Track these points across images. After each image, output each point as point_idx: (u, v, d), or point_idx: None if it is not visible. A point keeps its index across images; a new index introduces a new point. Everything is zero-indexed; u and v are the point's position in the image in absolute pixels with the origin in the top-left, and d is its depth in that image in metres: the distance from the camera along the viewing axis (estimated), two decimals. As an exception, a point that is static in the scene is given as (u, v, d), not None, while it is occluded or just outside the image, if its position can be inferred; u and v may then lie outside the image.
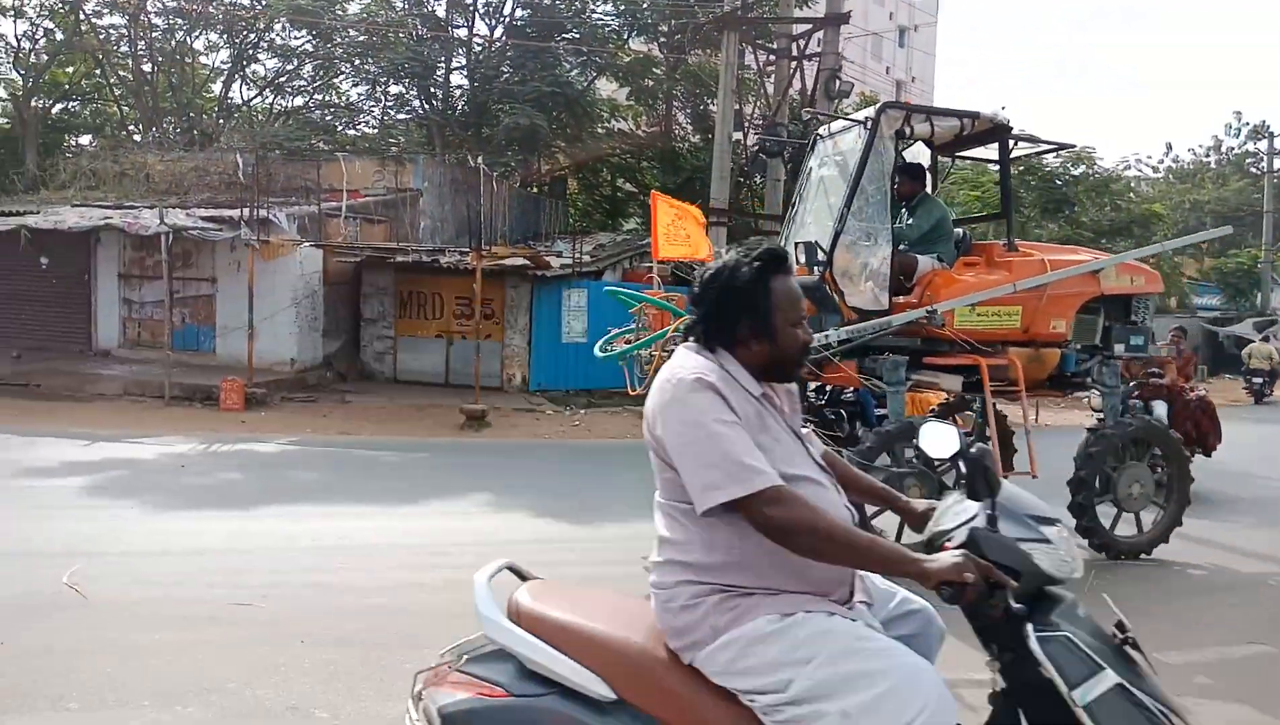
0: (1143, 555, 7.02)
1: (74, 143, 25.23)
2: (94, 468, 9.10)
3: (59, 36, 22.98)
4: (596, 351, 7.97)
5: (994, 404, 6.84)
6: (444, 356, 16.29)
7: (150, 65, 23.16)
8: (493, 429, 12.68)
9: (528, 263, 15.28)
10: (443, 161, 19.51)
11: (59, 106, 25.12)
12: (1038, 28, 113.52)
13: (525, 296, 15.95)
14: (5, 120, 25.41)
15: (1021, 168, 20.03)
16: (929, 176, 7.79)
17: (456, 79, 23.26)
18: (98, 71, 23.98)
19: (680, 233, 9.68)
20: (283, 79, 23.90)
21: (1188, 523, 7.33)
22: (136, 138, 22.94)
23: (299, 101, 24.32)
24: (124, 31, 23.04)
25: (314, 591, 5.62)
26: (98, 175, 18.01)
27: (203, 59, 24.63)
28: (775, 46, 18.90)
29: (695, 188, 20.36)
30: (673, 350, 6.67)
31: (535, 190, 24.36)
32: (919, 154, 7.75)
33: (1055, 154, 11.90)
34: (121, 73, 23.58)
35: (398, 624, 5.10)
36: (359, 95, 23.92)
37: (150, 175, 17.31)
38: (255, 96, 24.55)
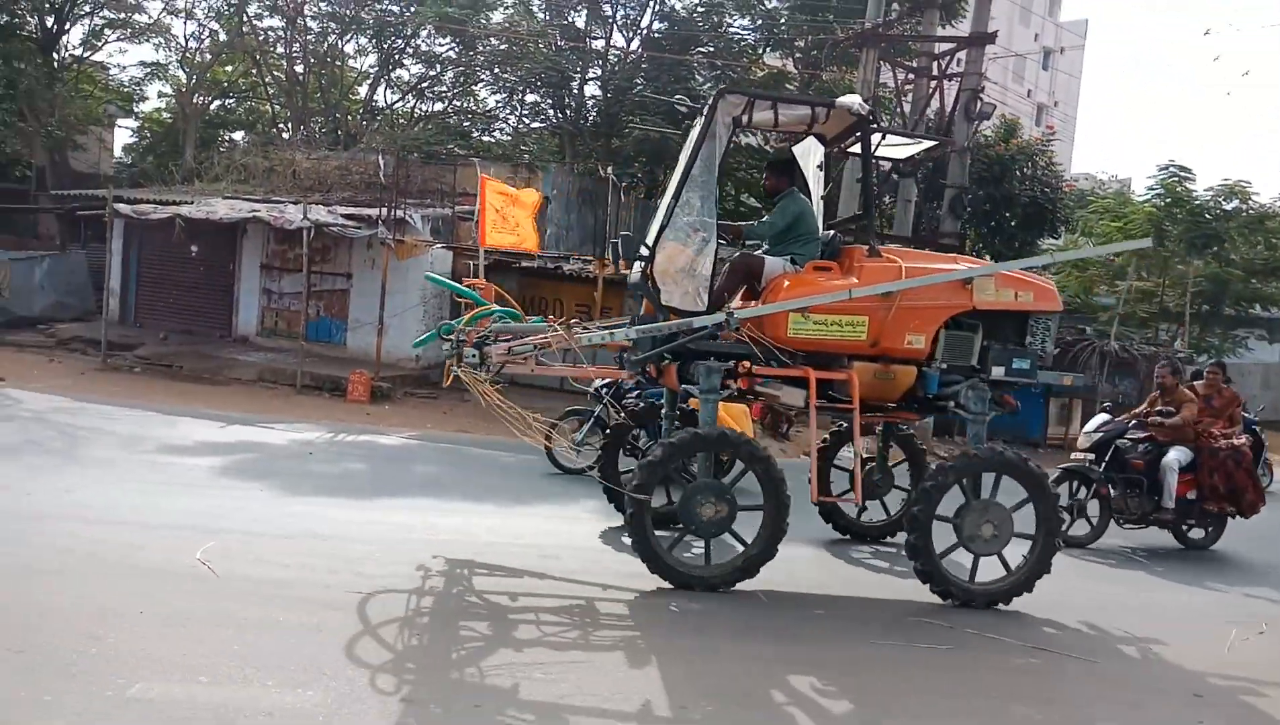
0: (1000, 605, 6.21)
1: (228, 138, 26.66)
2: (228, 449, 9.53)
3: (222, 37, 24.34)
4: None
5: (857, 420, 6.18)
6: (560, 360, 16.40)
7: (302, 67, 24.29)
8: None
9: (650, 273, 15.30)
10: (572, 170, 19.79)
11: (217, 103, 26.58)
12: (1195, 51, 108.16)
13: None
14: (169, 114, 27.04)
15: (1169, 200, 19.08)
16: (821, 173, 7.28)
17: (590, 89, 23.64)
18: (254, 71, 25.26)
19: (510, 221, 9.22)
20: (425, 84, 24.70)
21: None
22: (285, 136, 24.06)
23: (439, 107, 25.11)
24: (281, 34, 24.24)
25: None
26: (248, 170, 18.95)
27: (351, 62, 25.72)
28: (915, 65, 18.50)
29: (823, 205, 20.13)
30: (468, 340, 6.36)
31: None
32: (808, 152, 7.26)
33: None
34: (276, 73, 24.78)
35: (508, 622, 5.17)
36: (496, 102, 24.54)
37: (296, 172, 18.11)
38: (398, 100, 25.46)
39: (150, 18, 23.95)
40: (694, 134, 6.38)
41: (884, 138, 6.75)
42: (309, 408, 12.55)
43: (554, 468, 9.66)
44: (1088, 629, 6.11)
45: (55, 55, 23.35)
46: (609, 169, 15.93)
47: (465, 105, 25.07)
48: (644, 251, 6.31)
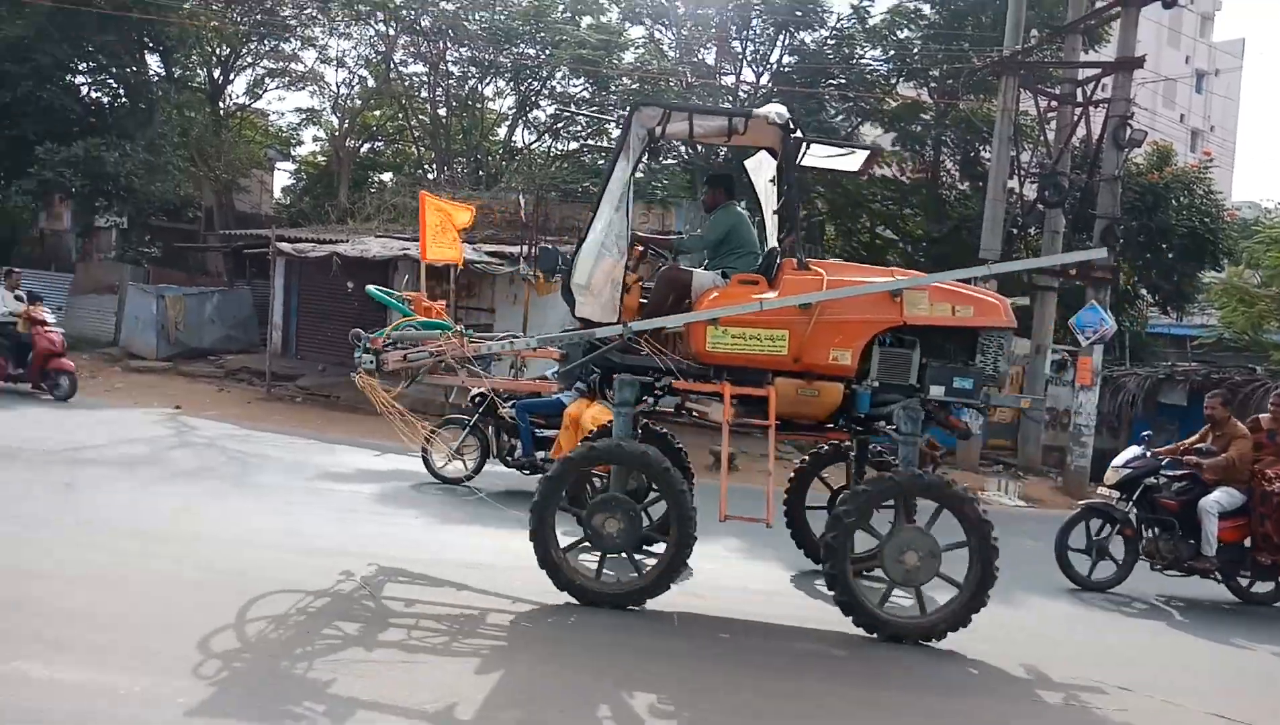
0: (932, 641, 5.82)
1: (378, 179, 27.99)
2: (384, 477, 9.97)
3: (371, 83, 25.66)
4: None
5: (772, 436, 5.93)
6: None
7: (445, 110, 25.34)
8: (739, 473, 12.69)
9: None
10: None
11: (367, 146, 27.99)
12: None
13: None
14: (323, 157, 28.62)
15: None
16: (774, 187, 7.09)
17: (721, 125, 23.78)
18: (400, 115, 26.49)
19: (447, 235, 9.47)
20: (560, 124, 25.40)
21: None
22: (430, 176, 25.11)
23: (574, 146, 25.75)
24: (425, 79, 25.36)
25: (586, 615, 5.84)
26: (397, 209, 19.85)
27: (491, 105, 26.68)
28: (1058, 91, 17.97)
29: (962, 237, 19.68)
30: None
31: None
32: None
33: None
34: (421, 117, 25.93)
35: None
36: (629, 140, 24.99)
37: (441, 211, 18.88)
38: (535, 141, 26.24)
39: (306, 66, 25.50)
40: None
41: (808, 146, 6.36)
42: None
43: (430, 477, 9.76)
44: (1025, 672, 5.71)
45: (221, 104, 25.13)
46: (742, 203, 15.93)
47: (599, 144, 25.66)
48: (561, 265, 6.33)
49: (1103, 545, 8.08)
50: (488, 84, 25.45)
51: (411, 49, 24.72)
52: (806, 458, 7.87)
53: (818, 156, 6.73)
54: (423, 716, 4.17)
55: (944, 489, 5.86)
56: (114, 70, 23.30)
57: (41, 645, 4.51)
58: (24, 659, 4.31)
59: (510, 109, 25.92)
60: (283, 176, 30.11)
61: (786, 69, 23.12)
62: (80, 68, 22.96)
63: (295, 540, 7.00)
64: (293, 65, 25.29)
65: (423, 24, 23.32)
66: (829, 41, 22.74)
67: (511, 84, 24.78)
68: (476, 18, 23.51)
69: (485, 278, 15.99)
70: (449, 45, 23.89)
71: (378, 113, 27.28)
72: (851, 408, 6.16)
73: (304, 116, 27.73)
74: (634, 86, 22.73)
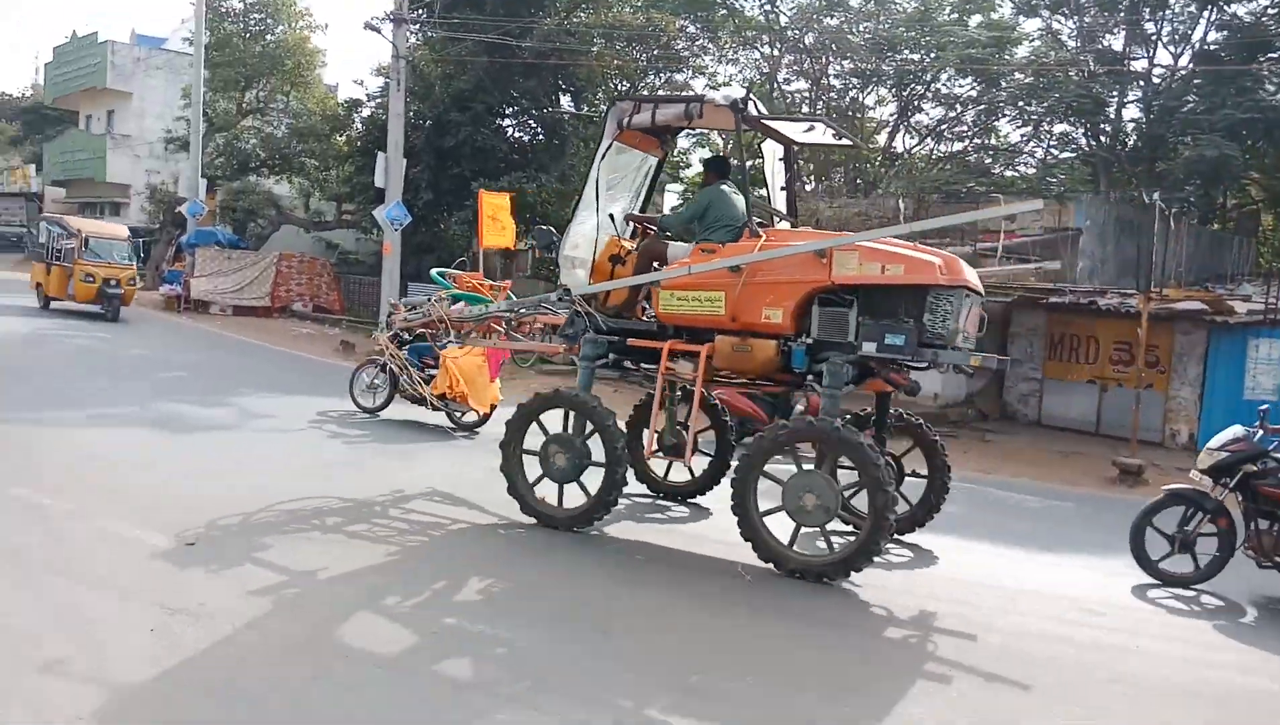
0: (826, 579, 5.99)
1: (758, 195, 28.89)
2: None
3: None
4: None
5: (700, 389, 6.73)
6: (1095, 403, 15.27)
7: (826, 123, 25.62)
8: (1149, 487, 11.44)
9: (1205, 307, 13.58)
10: (1108, 199, 18.26)
11: (751, 163, 29.00)
12: None
13: (1199, 344, 14.19)
14: (709, 178, 30.14)
15: None
16: (783, 165, 7.94)
17: (1129, 113, 21.70)
18: (782, 131, 27.18)
19: (499, 225, 10.19)
20: (943, 126, 24.59)
21: None
22: (809, 187, 25.45)
23: (958, 147, 24.80)
24: (806, 94, 25.79)
25: (959, 625, 5.64)
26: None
27: (871, 113, 26.48)
28: None
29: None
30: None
31: (1218, 227, 21.56)
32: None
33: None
34: (802, 131, 26.43)
35: (1050, 675, 4.89)
36: (1021, 137, 23.59)
37: (819, 221, 19.07)
38: (916, 145, 25.64)
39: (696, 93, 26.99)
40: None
41: (760, 121, 7.06)
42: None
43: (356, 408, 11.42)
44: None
45: (621, 134, 27.38)
46: (1154, 195, 14.45)
47: (986, 142, 24.46)
48: (555, 240, 7.23)
49: (1188, 537, 6.90)
50: (869, 93, 25.32)
51: (794, 67, 25.28)
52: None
53: (820, 136, 7.82)
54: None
55: (835, 436, 6.00)
56: (534, 112, 26.32)
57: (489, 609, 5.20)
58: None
59: (891, 115, 25.55)
60: (671, 198, 32.08)
61: (1212, 46, 20.56)
62: (507, 112, 26.22)
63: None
64: (684, 93, 26.93)
65: (806, 42, 23.74)
66: (1270, 10, 19.87)
67: (893, 90, 24.44)
68: (860, 29, 23.50)
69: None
70: (831, 59, 24.11)
71: (763, 132, 28.17)
72: (785, 363, 6.45)
73: (694, 140, 29.37)
74: (1026, 81, 21.41)
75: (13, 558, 5.23)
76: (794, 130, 7.80)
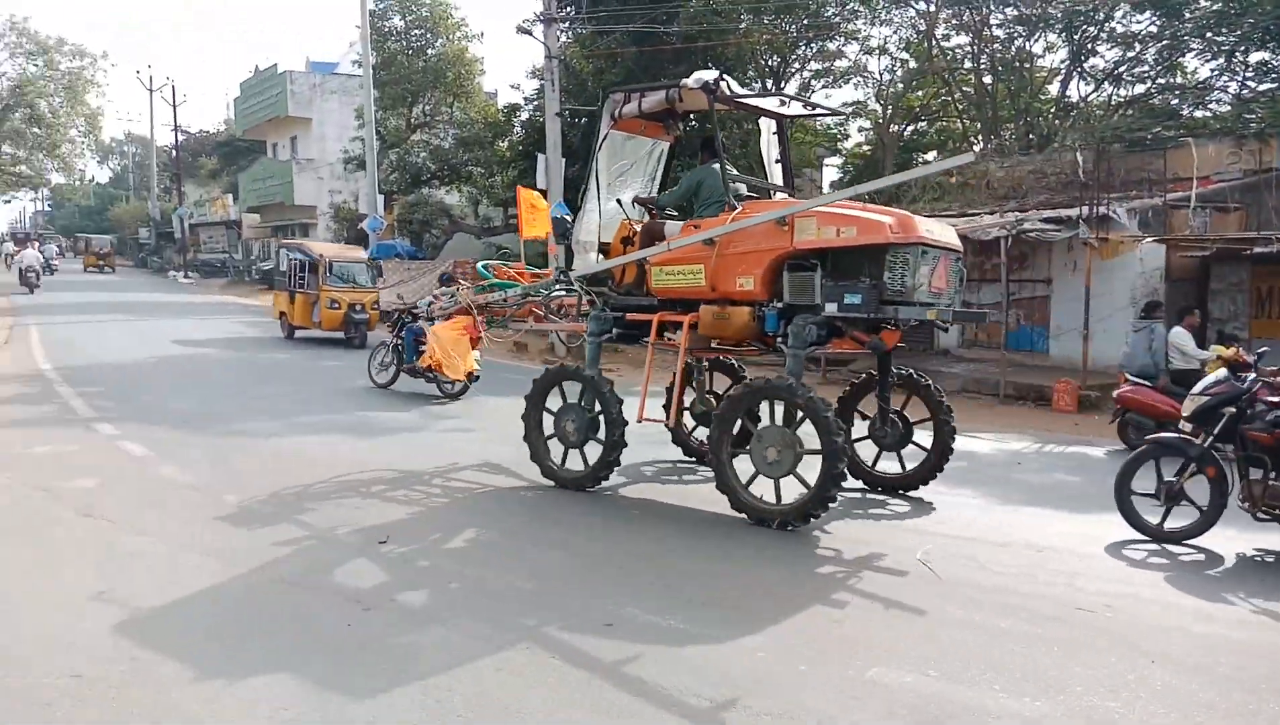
0: (790, 526, 6.51)
1: (922, 160, 27.84)
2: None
3: (912, 65, 25.59)
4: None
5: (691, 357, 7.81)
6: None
7: (990, 77, 24.30)
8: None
9: None
10: (1319, 132, 16.47)
11: (910, 128, 27.96)
12: None
13: None
14: (868, 147, 29.24)
15: None
16: (775, 138, 8.25)
17: (1342, 30, 19.46)
18: (943, 91, 26.00)
19: (535, 218, 10.91)
20: (1122, 69, 22.87)
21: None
22: (977, 148, 24.28)
23: (1139, 90, 23.02)
24: (968, 50, 24.59)
25: (1162, 609, 5.27)
26: (942, 187, 19.53)
27: (1040, 61, 24.96)
28: None
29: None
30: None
31: None
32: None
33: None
34: (965, 88, 25.21)
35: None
36: (1211, 71, 21.63)
37: (990, 182, 18.15)
38: (1092, 91, 23.97)
39: (849, 61, 26.23)
40: None
41: (733, 99, 7.41)
42: (1012, 418, 12.42)
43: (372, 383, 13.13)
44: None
45: (775, 111, 26.94)
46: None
47: (1170, 81, 22.58)
48: (569, 228, 7.89)
49: (1175, 489, 6.48)
50: (1036, 40, 23.85)
51: (954, 21, 24.15)
52: (846, 389, 8.19)
53: (803, 109, 8.57)
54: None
55: (791, 393, 6.40)
56: (684, 97, 26.31)
57: (648, 597, 5.30)
58: (633, 607, 5.09)
59: (1063, 62, 23.99)
60: (831, 171, 31.36)
61: None
62: (658, 100, 26.32)
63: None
64: (837, 63, 26.22)
65: (964, -8, 22.65)
66: None
67: (1064, 34, 22.92)
68: (1023, -28, 22.19)
69: (1040, 246, 15.03)
70: (992, 8, 22.88)
71: (920, 93, 27.10)
72: (760, 327, 6.92)
73: (850, 110, 28.65)
74: (1214, 8, 19.59)
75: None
76: (769, 104, 8.12)
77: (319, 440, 9.72)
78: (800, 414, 6.49)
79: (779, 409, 6.69)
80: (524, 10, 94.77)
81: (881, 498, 7.68)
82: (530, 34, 21.22)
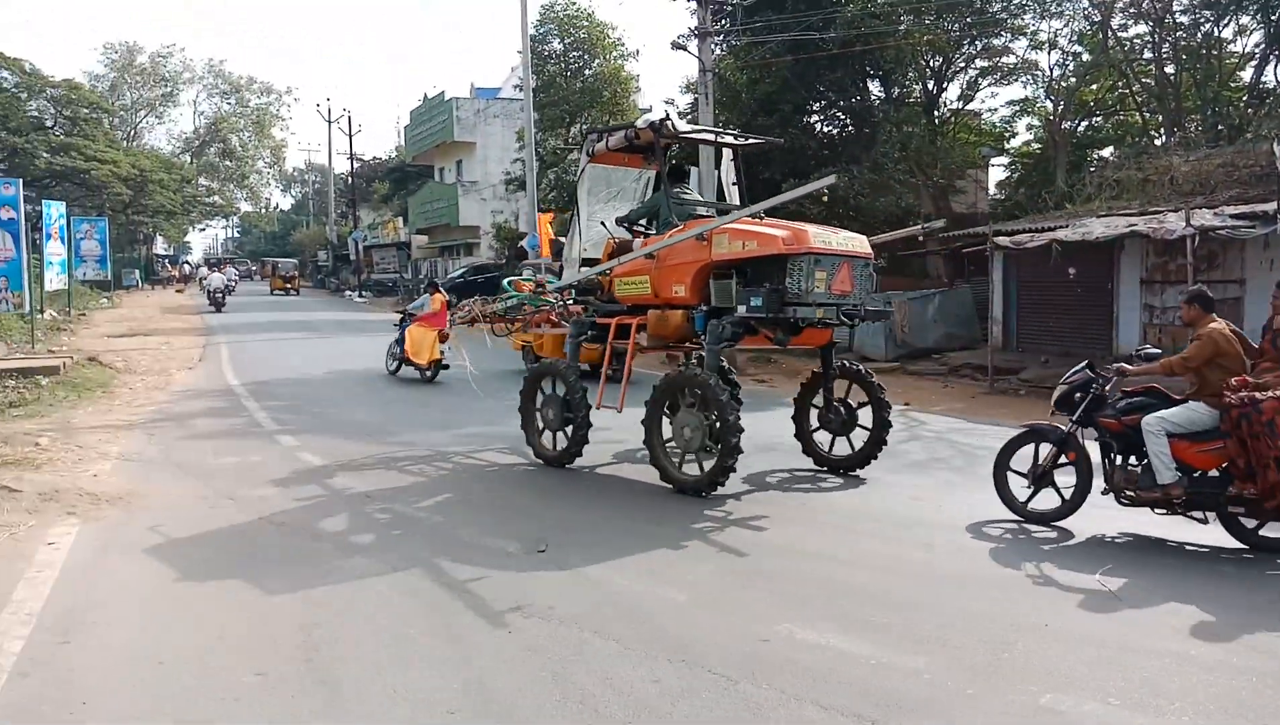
0: (703, 493, 7.66)
1: (1097, 156, 26.32)
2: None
3: (1086, 58, 24.23)
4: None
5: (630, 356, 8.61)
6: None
7: (1173, 66, 22.75)
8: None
9: None
10: None
11: (1084, 124, 26.48)
12: None
13: None
14: (1038, 145, 27.89)
15: None
16: (731, 166, 9.91)
17: None
18: (1120, 84, 24.52)
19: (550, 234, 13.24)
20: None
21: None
22: (1159, 142, 22.77)
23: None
24: (1148, 39, 23.11)
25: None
26: (1120, 185, 18.38)
27: (1231, 47, 23.17)
28: None
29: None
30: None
31: None
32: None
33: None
34: (1144, 80, 23.70)
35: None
36: None
37: (1174, 178, 16.94)
38: (1295, 76, 22.07)
39: (1017, 57, 25.12)
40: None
41: (678, 135, 8.90)
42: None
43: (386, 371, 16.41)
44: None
45: (936, 114, 26.06)
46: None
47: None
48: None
49: (1043, 471, 6.93)
50: (1226, 24, 22.16)
51: (1131, 10, 22.77)
52: (804, 382, 9.24)
53: (732, 137, 9.69)
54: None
55: (697, 382, 7.66)
56: (841, 104, 25.84)
57: (809, 612, 5.18)
58: (792, 623, 4.98)
59: (1257, 45, 22.19)
60: (997, 172, 30.10)
61: None
62: (814, 108, 25.94)
63: (1035, 532, 6.93)
64: (1003, 59, 25.17)
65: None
66: None
67: (1258, 16, 21.21)
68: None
69: (1232, 245, 13.90)
70: (1175, -7, 21.44)
71: (1094, 87, 25.64)
72: (691, 328, 8.12)
73: (1016, 108, 27.43)
74: None
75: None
76: (708, 136, 9.90)
77: (481, 453, 10.03)
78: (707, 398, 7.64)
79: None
80: (678, 25, 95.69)
81: (1049, 526, 7.00)
82: (685, 49, 21.30)
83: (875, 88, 25.96)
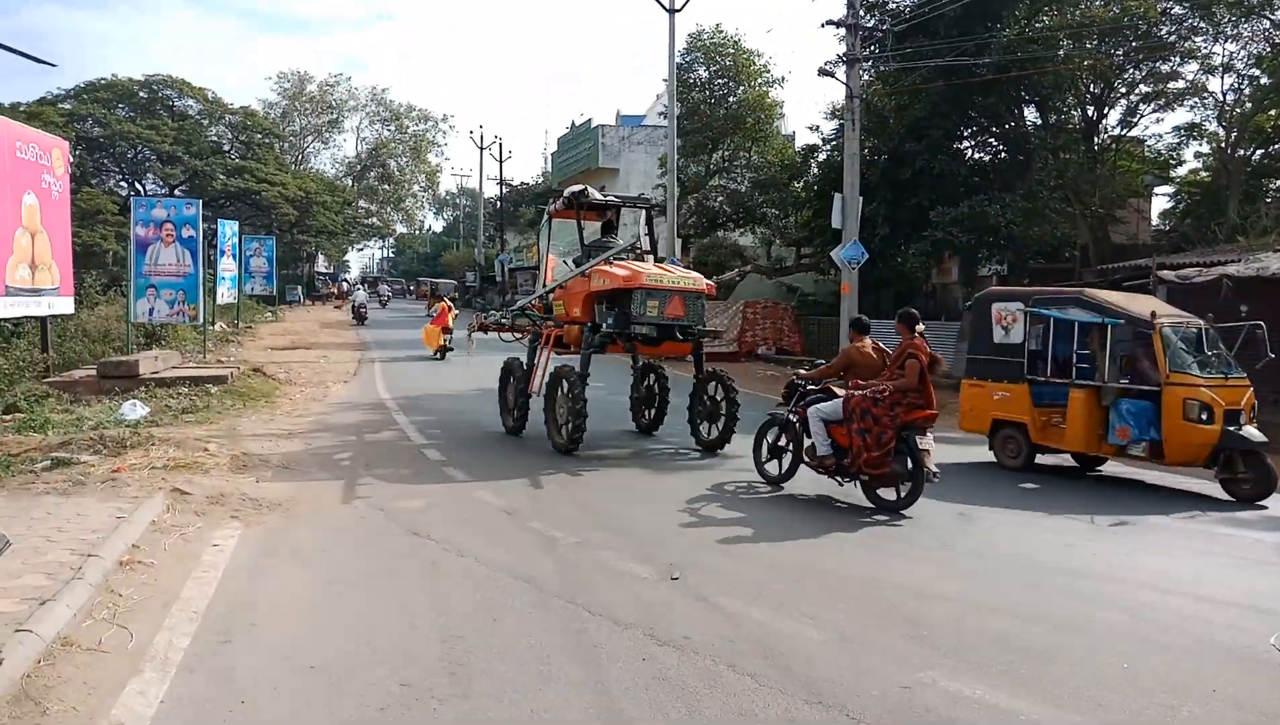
0: (568, 453, 10.76)
1: (1274, 187, 24.60)
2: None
3: (1264, 82, 22.73)
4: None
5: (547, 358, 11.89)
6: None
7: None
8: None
9: None
10: None
11: (1259, 152, 24.82)
12: None
13: None
14: (1207, 174, 26.28)
15: None
16: (648, 226, 12.48)
17: None
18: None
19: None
20: None
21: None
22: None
23: None
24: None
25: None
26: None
27: None
28: None
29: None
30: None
31: None
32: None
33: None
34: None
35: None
36: None
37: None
38: None
39: (1185, 81, 23.79)
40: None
41: (592, 204, 12.07)
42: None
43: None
44: None
45: (1095, 140, 24.93)
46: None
47: None
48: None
49: (774, 446, 9.48)
50: None
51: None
52: (695, 381, 11.92)
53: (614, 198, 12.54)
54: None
55: (567, 374, 10.91)
56: (994, 130, 25.06)
57: (950, 661, 4.99)
58: (933, 671, 4.81)
59: None
60: (1160, 201, 28.53)
61: None
62: (964, 134, 25.25)
63: (1196, 588, 6.46)
64: (1170, 84, 23.86)
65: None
66: None
67: None
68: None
69: None
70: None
71: (1272, 112, 24.01)
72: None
73: (1183, 134, 25.92)
74: None
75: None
76: (616, 201, 12.46)
77: (611, 473, 10.14)
78: (567, 384, 10.88)
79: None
80: (826, 51, 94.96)
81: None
82: (832, 75, 21.14)
83: (1031, 113, 25.08)
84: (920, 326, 8.57)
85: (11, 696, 4.12)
